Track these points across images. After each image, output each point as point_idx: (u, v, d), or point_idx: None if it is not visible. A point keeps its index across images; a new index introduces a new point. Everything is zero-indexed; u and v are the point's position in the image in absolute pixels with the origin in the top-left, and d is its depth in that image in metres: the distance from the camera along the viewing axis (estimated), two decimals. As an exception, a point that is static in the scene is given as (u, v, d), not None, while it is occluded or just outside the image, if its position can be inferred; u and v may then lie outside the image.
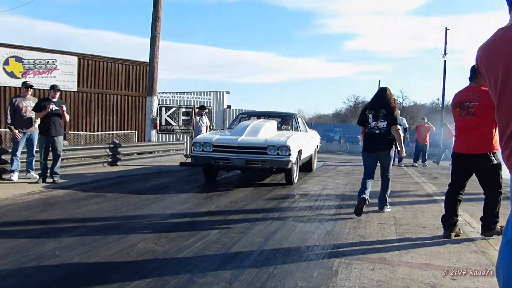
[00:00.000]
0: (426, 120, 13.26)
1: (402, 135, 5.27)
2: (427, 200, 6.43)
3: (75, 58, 13.93)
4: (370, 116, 5.11)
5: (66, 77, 13.64)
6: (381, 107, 5.06)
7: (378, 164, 5.28)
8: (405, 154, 5.42)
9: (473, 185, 4.41)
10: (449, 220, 4.13)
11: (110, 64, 14.69)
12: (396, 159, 11.36)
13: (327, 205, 5.67)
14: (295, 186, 7.21)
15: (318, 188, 7.18)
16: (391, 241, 3.93)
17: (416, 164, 12.80)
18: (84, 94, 14.12)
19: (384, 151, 5.10)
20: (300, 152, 7.53)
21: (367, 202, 4.94)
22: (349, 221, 4.68)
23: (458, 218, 4.20)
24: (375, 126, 5.06)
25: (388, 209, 5.29)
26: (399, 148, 5.13)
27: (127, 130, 14.85)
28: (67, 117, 7.04)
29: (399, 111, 5.28)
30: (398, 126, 5.03)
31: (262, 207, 5.36)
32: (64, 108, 6.88)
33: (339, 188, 7.25)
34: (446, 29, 26.67)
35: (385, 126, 5.02)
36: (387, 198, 5.28)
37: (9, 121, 6.78)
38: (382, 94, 5.17)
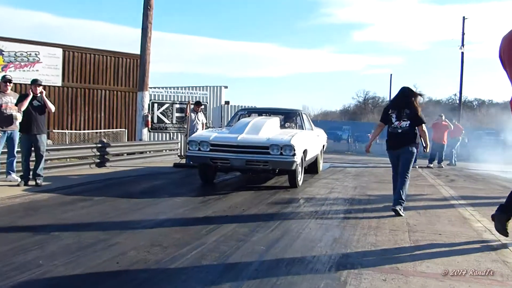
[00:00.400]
0: (443, 118, 13.18)
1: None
2: (443, 204, 6.43)
3: (60, 50, 13.95)
4: (393, 115, 5.55)
5: (50, 70, 13.66)
6: (405, 107, 5.50)
7: None
8: (429, 150, 5.87)
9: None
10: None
11: (98, 56, 14.71)
12: None
13: (335, 210, 5.67)
14: (299, 189, 7.22)
15: (324, 191, 7.18)
16: (405, 249, 3.93)
17: (432, 166, 12.79)
18: (69, 89, 14.13)
19: (404, 147, 5.49)
20: (305, 152, 7.54)
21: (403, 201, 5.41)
22: (359, 227, 4.68)
23: None
24: (398, 125, 5.51)
25: (402, 212, 5.32)
26: (424, 144, 5.58)
27: (116, 128, 14.87)
28: (52, 107, 7.02)
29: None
30: (424, 126, 5.50)
31: (264, 212, 5.37)
32: (44, 93, 6.88)
33: (347, 192, 7.25)
34: (464, 18, 26.65)
35: (407, 125, 5.46)
36: (403, 196, 5.38)
37: (-13, 118, 6.78)
38: (405, 94, 5.61)
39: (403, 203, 5.39)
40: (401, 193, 5.36)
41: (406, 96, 5.58)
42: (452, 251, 3.89)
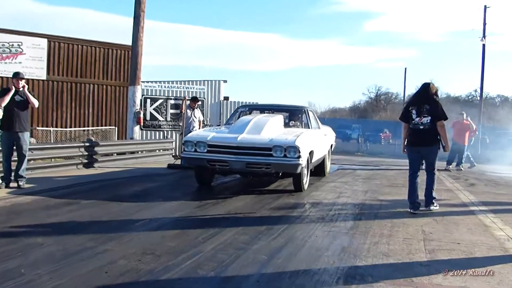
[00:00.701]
0: (465, 116, 13.09)
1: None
2: (462, 211, 6.42)
3: (45, 41, 13.97)
4: (414, 112, 5.92)
5: (33, 63, 13.68)
6: (425, 103, 5.87)
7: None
8: (449, 150, 6.36)
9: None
10: None
11: (86, 47, 14.73)
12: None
13: (343, 216, 5.67)
14: (305, 193, 7.22)
15: (332, 195, 7.19)
16: (420, 259, 3.93)
17: (450, 168, 12.75)
18: (55, 83, 14.15)
19: (428, 147, 5.91)
20: (311, 153, 7.54)
21: (420, 204, 5.92)
22: (370, 235, 4.68)
23: None
24: (419, 121, 5.88)
25: (435, 207, 5.98)
26: (443, 143, 5.90)
27: (106, 125, 14.88)
28: (36, 103, 7.03)
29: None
30: (443, 122, 5.85)
31: (266, 218, 5.37)
32: (26, 87, 6.86)
33: (357, 196, 7.25)
34: (485, 7, 26.60)
35: (428, 121, 5.83)
36: (434, 193, 5.98)
37: (-34, 115, 6.80)
38: (425, 89, 5.99)
39: (435, 199, 6.01)
40: (432, 191, 5.95)
41: (427, 92, 5.94)
42: (471, 262, 3.88)
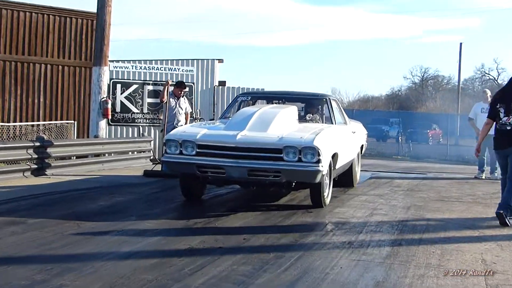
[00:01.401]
0: None
1: None
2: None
3: (-19, 7, 14.01)
4: (502, 110, 6.64)
5: (-34, 36, 13.73)
6: None
7: None
8: None
9: None
10: None
11: (36, 15, 14.77)
12: (488, 168, 11.27)
13: (377, 240, 5.67)
14: (326, 210, 7.23)
15: (362, 213, 7.19)
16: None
17: None
18: (-6, 62, 14.19)
19: None
20: (335, 156, 7.54)
21: None
22: (412, 266, 4.67)
23: None
24: (507, 121, 6.60)
25: (508, 220, 6.39)
26: None
27: (62, 119, 14.91)
28: None
29: None
30: None
31: (274, 243, 5.38)
32: None
33: (396, 214, 7.25)
34: None
35: None
36: (510, 202, 6.49)
37: None
38: None
39: (510, 210, 6.46)
40: (508, 199, 6.50)
41: None
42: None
